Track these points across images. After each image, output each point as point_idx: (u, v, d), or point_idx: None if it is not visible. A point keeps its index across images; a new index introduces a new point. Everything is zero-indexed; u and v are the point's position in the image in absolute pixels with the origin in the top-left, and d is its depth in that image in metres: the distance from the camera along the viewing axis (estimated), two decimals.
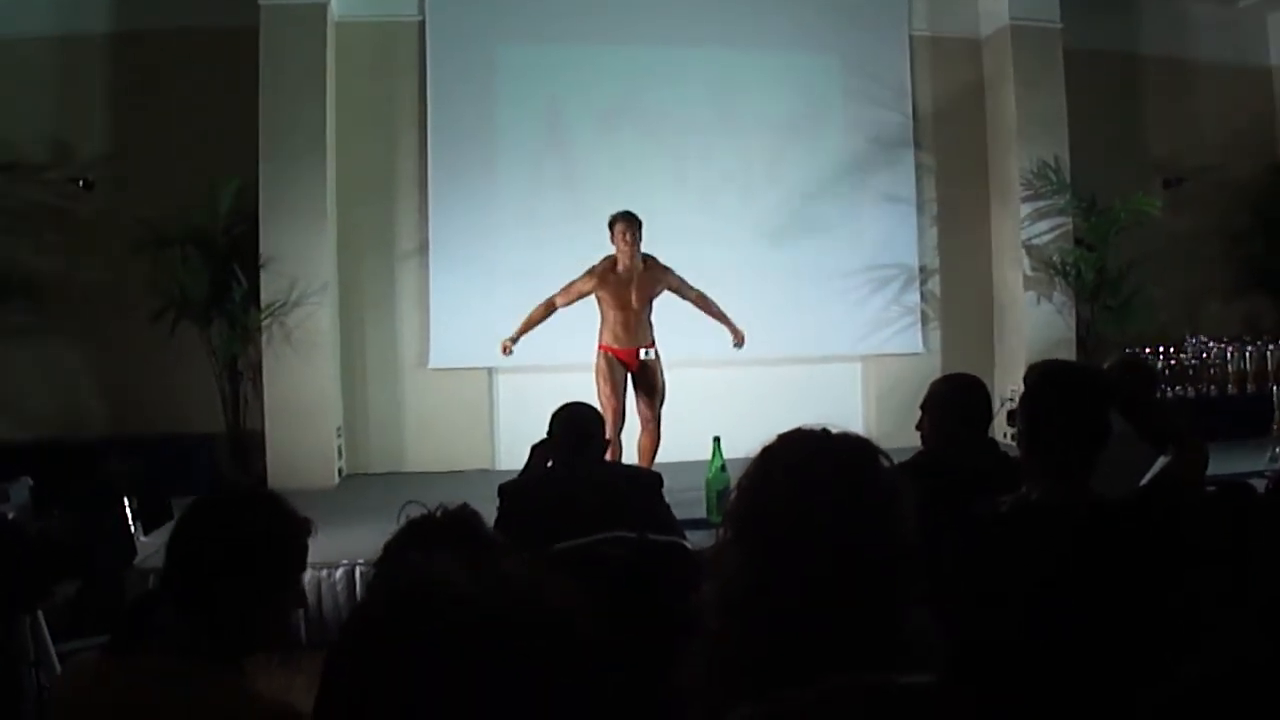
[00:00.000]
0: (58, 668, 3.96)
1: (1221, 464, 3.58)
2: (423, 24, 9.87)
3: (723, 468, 6.35)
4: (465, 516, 2.30)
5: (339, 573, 6.14)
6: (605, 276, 7.71)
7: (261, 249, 8.97)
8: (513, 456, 8.73)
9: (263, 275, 8.97)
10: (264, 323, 8.93)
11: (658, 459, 7.62)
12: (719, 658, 1.71)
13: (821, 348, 10.40)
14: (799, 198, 10.35)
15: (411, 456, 9.68)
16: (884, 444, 1.81)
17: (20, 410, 9.00)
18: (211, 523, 2.28)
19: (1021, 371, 3.15)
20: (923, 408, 4.23)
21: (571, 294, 7.80)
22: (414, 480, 8.85)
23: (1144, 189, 10.57)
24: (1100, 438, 2.78)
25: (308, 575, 5.90)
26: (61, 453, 7.76)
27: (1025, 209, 10.42)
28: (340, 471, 9.28)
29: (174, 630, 2.15)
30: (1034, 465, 2.84)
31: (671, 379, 8.02)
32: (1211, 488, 3.67)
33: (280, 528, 2.29)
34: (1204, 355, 10.64)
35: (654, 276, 7.81)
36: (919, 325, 10.69)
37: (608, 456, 5.05)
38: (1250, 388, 10.40)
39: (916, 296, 10.68)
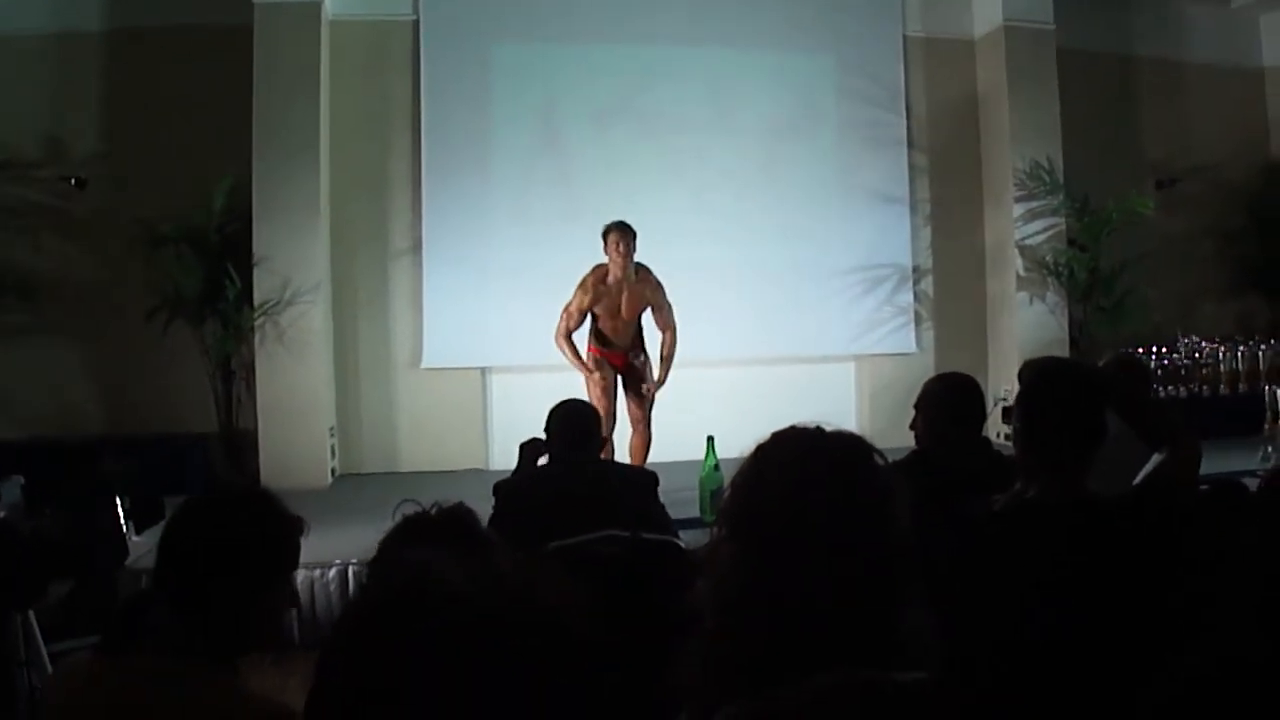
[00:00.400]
0: (49, 668, 3.95)
1: (1214, 463, 3.58)
2: (417, 23, 9.86)
3: (716, 467, 6.34)
4: (460, 514, 2.30)
5: (332, 573, 6.13)
6: (596, 288, 7.65)
7: (255, 248, 8.95)
8: (506, 456, 8.68)
9: (256, 274, 8.95)
10: (257, 322, 8.92)
11: (650, 458, 7.61)
12: (713, 655, 1.70)
13: (815, 347, 10.41)
14: (793, 197, 10.35)
15: (405, 456, 9.67)
16: (877, 444, 1.81)
17: (12, 409, 8.98)
18: (204, 522, 2.27)
19: (1014, 372, 3.16)
20: (916, 407, 4.23)
21: (574, 316, 7.69)
22: (407, 480, 8.85)
23: (1137, 189, 10.60)
24: (1096, 435, 2.78)
25: (300, 575, 5.93)
26: (54, 452, 7.75)
27: (1018, 209, 10.44)
28: (333, 471, 9.26)
29: (167, 630, 2.15)
30: (1030, 462, 2.84)
31: (666, 379, 8.01)
32: (1205, 486, 3.68)
33: (273, 527, 2.28)
34: (1196, 355, 10.65)
35: (644, 290, 7.75)
36: (912, 325, 10.69)
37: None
38: (1242, 387, 10.41)
39: (910, 296, 10.69)
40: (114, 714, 2.05)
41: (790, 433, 1.80)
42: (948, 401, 4.17)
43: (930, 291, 10.82)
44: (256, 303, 8.91)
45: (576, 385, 7.47)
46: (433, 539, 2.20)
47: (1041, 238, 10.44)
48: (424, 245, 9.78)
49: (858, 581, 1.65)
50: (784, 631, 1.63)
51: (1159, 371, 10.24)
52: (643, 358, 7.83)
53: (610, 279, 7.62)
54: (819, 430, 1.79)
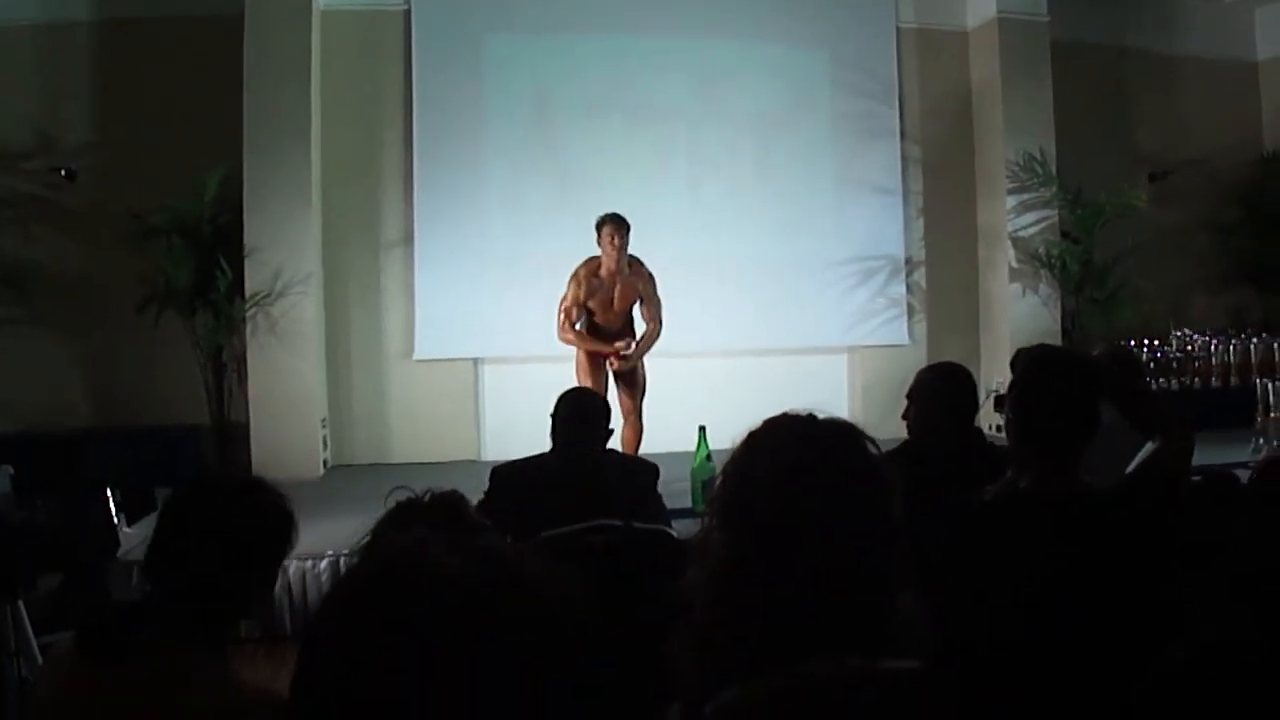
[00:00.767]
0: (39, 659, 3.93)
1: (1206, 455, 3.59)
2: (408, 13, 9.82)
3: (708, 457, 6.33)
4: (453, 500, 2.30)
5: (324, 563, 6.12)
6: (589, 281, 7.61)
7: (246, 238, 8.93)
8: (498, 447, 8.76)
9: (247, 265, 8.92)
10: (248, 313, 8.89)
11: (642, 449, 7.60)
12: (705, 644, 1.70)
13: (807, 339, 10.41)
14: (786, 189, 10.34)
15: (397, 447, 9.66)
16: (870, 435, 1.81)
17: (2, 401, 8.95)
18: (199, 511, 2.27)
19: (1007, 363, 3.15)
20: (909, 397, 4.23)
21: (572, 311, 7.61)
22: (399, 471, 8.79)
23: (1130, 182, 10.61)
24: (1090, 424, 2.77)
25: (292, 566, 5.94)
26: (44, 444, 7.74)
27: (1011, 201, 10.44)
28: (325, 463, 9.25)
29: (158, 619, 2.14)
30: (1022, 452, 2.84)
31: (657, 370, 8.00)
32: (1197, 478, 3.68)
33: (267, 516, 2.29)
34: (1189, 347, 10.67)
35: (636, 282, 7.73)
36: (905, 317, 10.70)
37: None
38: (1234, 380, 10.43)
39: (902, 288, 10.69)
40: (105, 704, 2.04)
41: (782, 420, 1.80)
42: (940, 391, 4.18)
43: (923, 283, 10.82)
44: (248, 294, 8.89)
45: (569, 376, 7.46)
46: (424, 523, 2.20)
47: (1034, 230, 10.44)
48: (416, 236, 9.75)
49: (849, 569, 1.65)
50: (776, 619, 1.63)
51: (1151, 364, 10.25)
52: (633, 349, 7.81)
53: (603, 271, 7.59)
54: (811, 417, 1.79)
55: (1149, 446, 3.08)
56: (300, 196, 9.05)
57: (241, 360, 9.09)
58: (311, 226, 9.17)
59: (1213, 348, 10.64)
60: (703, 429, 6.43)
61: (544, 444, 4.51)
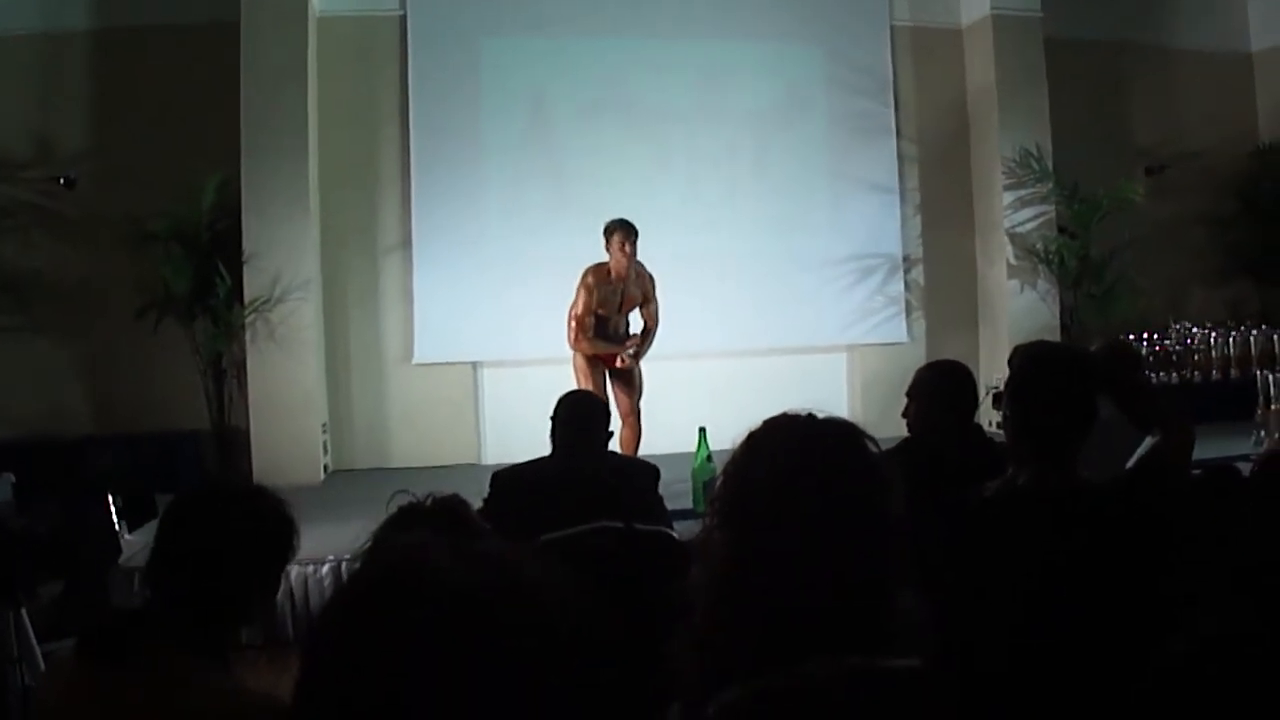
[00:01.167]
0: (42, 665, 3.94)
1: (1206, 448, 3.60)
2: (404, 17, 9.83)
3: (708, 458, 6.32)
4: (454, 505, 2.31)
5: (325, 568, 6.12)
6: (601, 286, 7.61)
7: (244, 244, 8.93)
8: (499, 451, 8.76)
9: (246, 271, 8.92)
10: (248, 319, 8.89)
11: (641, 450, 7.59)
12: (707, 644, 1.70)
13: (806, 338, 10.41)
14: (783, 188, 10.34)
15: (397, 452, 9.65)
16: (869, 433, 1.81)
17: (3, 408, 8.95)
18: (200, 518, 2.28)
19: (1005, 360, 3.15)
20: (909, 394, 4.23)
21: (585, 317, 7.60)
22: (400, 476, 8.70)
23: (1126, 176, 10.62)
24: (1088, 419, 2.77)
25: (294, 571, 5.93)
26: (45, 450, 7.74)
27: (1008, 197, 10.44)
28: (325, 468, 9.25)
29: (159, 624, 2.14)
30: (1021, 448, 2.84)
31: (656, 371, 8.02)
32: (1197, 471, 3.68)
33: (269, 522, 2.29)
34: (1188, 341, 10.67)
35: (641, 286, 7.76)
36: (903, 314, 10.70)
37: None
38: (1234, 373, 10.44)
39: (900, 286, 10.69)
40: (107, 710, 2.04)
41: (782, 420, 1.80)
42: (940, 389, 4.18)
43: (921, 281, 10.83)
44: (247, 300, 8.89)
45: (568, 379, 7.46)
46: (426, 528, 2.20)
47: (1031, 225, 10.45)
48: (414, 240, 9.76)
49: (850, 568, 1.65)
50: (777, 619, 1.63)
51: (1151, 358, 10.26)
52: (631, 352, 7.82)
53: (613, 276, 7.60)
54: (811, 417, 1.79)
55: (1148, 441, 3.08)
56: (298, 202, 9.06)
57: (241, 366, 9.09)
58: (310, 232, 9.17)
59: (1212, 341, 10.66)
60: (703, 430, 6.43)
61: (544, 447, 4.51)
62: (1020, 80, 10.45)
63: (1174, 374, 10.42)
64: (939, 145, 10.87)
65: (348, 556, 5.94)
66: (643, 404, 7.84)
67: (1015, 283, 10.42)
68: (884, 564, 1.68)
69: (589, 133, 9.99)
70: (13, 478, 4.55)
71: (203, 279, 8.91)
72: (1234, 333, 10.69)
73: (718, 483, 1.79)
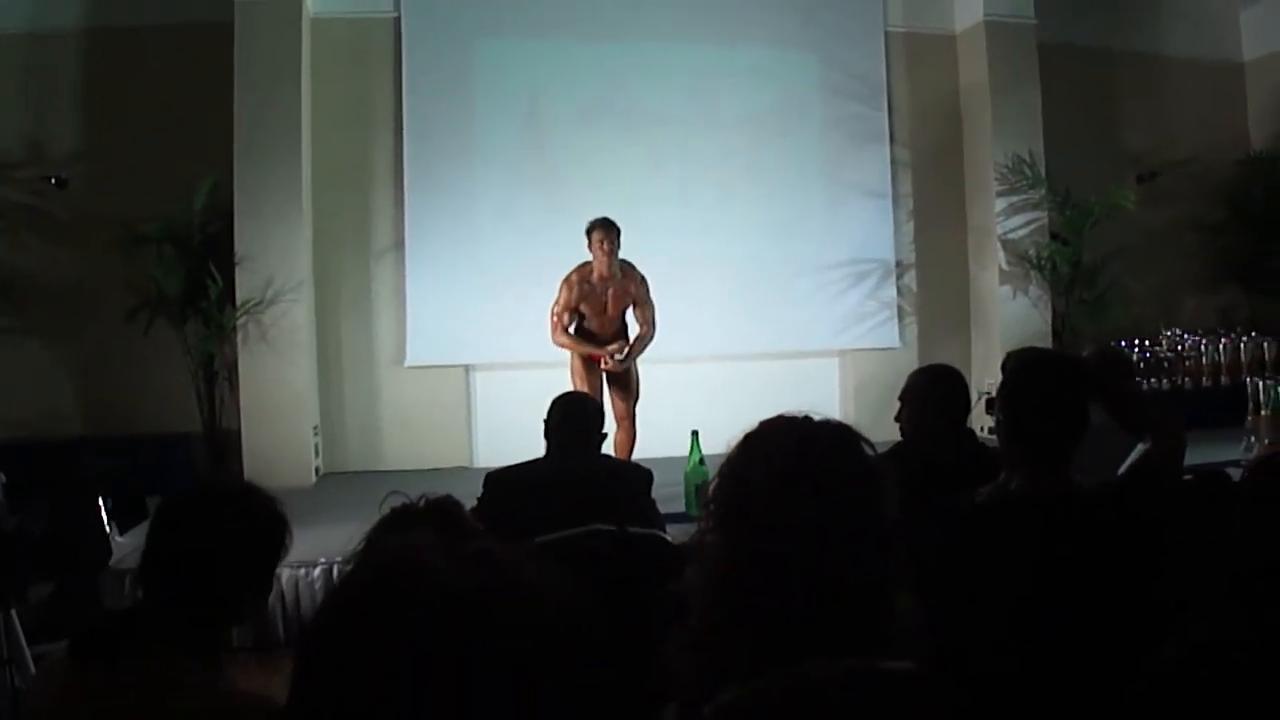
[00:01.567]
0: (33, 667, 3.93)
1: (1197, 454, 3.61)
2: (398, 19, 9.83)
3: (701, 461, 6.34)
4: (447, 506, 2.31)
5: (317, 571, 6.10)
6: (581, 285, 7.62)
7: (237, 246, 8.92)
8: (490, 454, 8.76)
9: (238, 273, 8.91)
10: (239, 321, 8.88)
11: (635, 454, 7.60)
12: (701, 646, 1.70)
13: (799, 342, 10.41)
14: (776, 192, 10.35)
15: (389, 454, 9.64)
16: None
17: None
18: (191, 518, 2.27)
19: (998, 365, 3.16)
20: (901, 399, 4.24)
21: (563, 315, 7.65)
22: (392, 478, 8.65)
23: (1118, 183, 10.64)
24: (1079, 425, 2.79)
25: (285, 574, 5.93)
26: (36, 452, 7.72)
27: (1000, 203, 10.46)
28: (317, 470, 9.23)
29: (150, 625, 2.14)
30: (1013, 453, 2.85)
31: (649, 375, 8.02)
32: (1188, 477, 3.69)
33: (260, 522, 2.29)
34: (1179, 348, 10.69)
35: (629, 286, 7.75)
36: (895, 319, 10.71)
37: None
38: (1224, 379, 10.45)
39: (893, 291, 10.70)
40: (98, 711, 2.04)
41: (778, 422, 1.80)
42: (932, 394, 4.19)
43: (914, 286, 10.84)
44: (239, 302, 8.88)
45: (561, 382, 7.45)
46: (420, 528, 2.20)
47: (1024, 231, 10.47)
48: (406, 243, 9.75)
49: (846, 571, 1.65)
50: (772, 621, 1.63)
51: (1141, 364, 10.28)
52: (627, 353, 7.82)
53: (595, 276, 7.61)
54: (807, 419, 1.79)
55: (1140, 447, 3.09)
56: (291, 204, 9.05)
57: (233, 368, 9.08)
58: (302, 234, 9.16)
59: (1202, 347, 10.67)
60: (695, 433, 6.44)
61: (536, 450, 4.51)
62: (1013, 86, 10.47)
63: (1165, 380, 10.43)
64: (932, 151, 10.88)
65: (339, 559, 5.94)
66: (636, 408, 7.85)
67: (1007, 288, 10.43)
68: (880, 566, 1.68)
69: (583, 136, 10.00)
70: (4, 479, 4.53)
71: (194, 281, 8.90)
72: (1224, 339, 10.71)
73: (713, 484, 1.79)
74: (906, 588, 1.75)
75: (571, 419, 4.49)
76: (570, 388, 7.44)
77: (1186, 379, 10.55)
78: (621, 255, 7.63)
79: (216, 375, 9.18)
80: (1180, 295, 11.50)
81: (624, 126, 10.04)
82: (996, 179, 10.42)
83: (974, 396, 4.54)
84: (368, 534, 2.26)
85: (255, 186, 8.93)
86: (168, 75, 9.27)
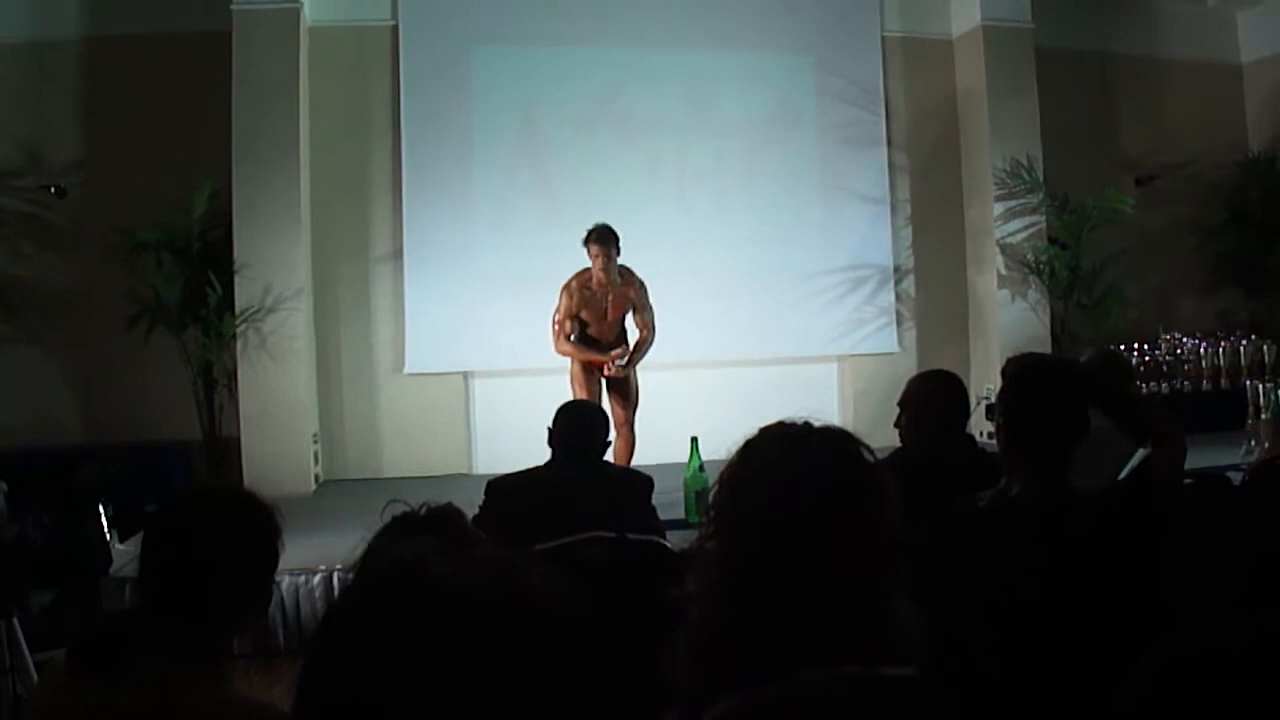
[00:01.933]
0: (34, 675, 3.93)
1: (1197, 458, 3.60)
2: (396, 28, 9.85)
3: (700, 468, 6.33)
4: (449, 514, 2.30)
5: (317, 578, 6.10)
6: (581, 292, 7.62)
7: (235, 254, 8.93)
8: (489, 461, 8.76)
9: (237, 281, 8.92)
10: (239, 328, 8.88)
11: (634, 461, 7.60)
12: (702, 650, 1.70)
13: (797, 348, 10.41)
14: (773, 198, 10.36)
15: (388, 462, 9.65)
16: None
17: None
18: (184, 522, 2.28)
19: (997, 370, 3.16)
20: (900, 405, 4.24)
21: (565, 321, 7.64)
22: (391, 486, 8.77)
23: (1116, 186, 10.64)
24: (1079, 429, 2.79)
25: (285, 581, 5.92)
26: (37, 460, 7.72)
27: (998, 208, 10.46)
28: (317, 478, 9.23)
29: (150, 634, 2.14)
30: (1013, 458, 2.85)
31: (648, 381, 8.02)
32: (1189, 481, 3.68)
33: (252, 525, 2.29)
34: (1178, 351, 10.69)
35: (628, 292, 7.74)
36: (894, 325, 10.71)
37: None
38: (1224, 383, 10.45)
39: (891, 296, 10.71)
40: (96, 718, 2.04)
41: (778, 428, 1.80)
42: (931, 399, 4.19)
43: (912, 291, 10.84)
44: (238, 309, 8.88)
45: (560, 390, 7.45)
46: (422, 536, 2.19)
47: (1022, 236, 10.47)
48: (405, 250, 9.76)
49: (846, 577, 1.65)
50: (772, 627, 1.63)
51: (1141, 368, 10.27)
52: (627, 360, 7.83)
53: (594, 282, 7.61)
54: (807, 425, 1.79)
55: (1140, 452, 3.09)
56: (289, 212, 9.05)
57: (232, 376, 9.08)
58: (301, 242, 9.16)
59: (1202, 351, 10.67)
60: (695, 440, 6.44)
61: (535, 457, 4.51)
62: (1011, 90, 10.48)
63: (1164, 384, 10.43)
64: (929, 155, 10.89)
65: (339, 566, 5.95)
66: (636, 415, 7.85)
67: (1006, 293, 10.44)
68: (880, 572, 1.68)
69: (580, 143, 10.01)
70: (5, 487, 4.53)
71: (193, 289, 8.91)
72: (1224, 343, 10.71)
73: (713, 491, 1.79)
74: (907, 593, 1.75)
75: (577, 426, 4.50)
76: (569, 395, 7.45)
77: (1186, 383, 10.55)
78: (620, 261, 7.63)
79: (216, 383, 9.19)
80: (1179, 298, 11.52)
81: (621, 133, 10.05)
82: (994, 183, 10.42)
83: (973, 401, 4.54)
84: (369, 542, 2.26)
85: (254, 194, 8.93)
86: (166, 84, 9.28)
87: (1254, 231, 11.40)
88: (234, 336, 8.92)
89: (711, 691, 1.59)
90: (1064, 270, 10.31)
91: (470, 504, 4.03)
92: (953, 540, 2.77)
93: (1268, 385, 8.49)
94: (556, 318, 7.66)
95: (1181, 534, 2.84)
